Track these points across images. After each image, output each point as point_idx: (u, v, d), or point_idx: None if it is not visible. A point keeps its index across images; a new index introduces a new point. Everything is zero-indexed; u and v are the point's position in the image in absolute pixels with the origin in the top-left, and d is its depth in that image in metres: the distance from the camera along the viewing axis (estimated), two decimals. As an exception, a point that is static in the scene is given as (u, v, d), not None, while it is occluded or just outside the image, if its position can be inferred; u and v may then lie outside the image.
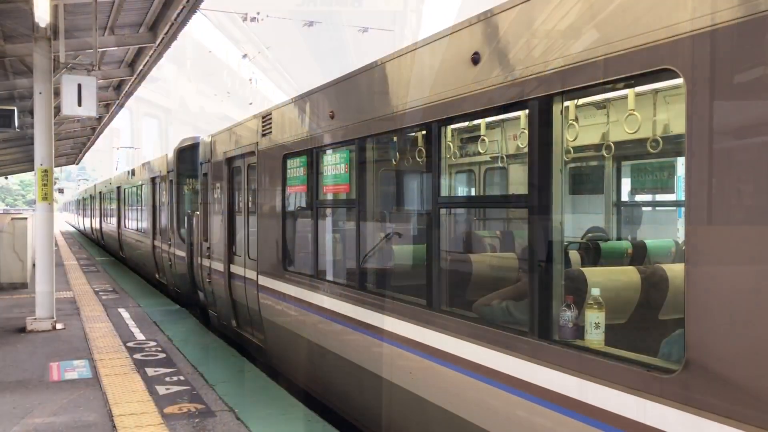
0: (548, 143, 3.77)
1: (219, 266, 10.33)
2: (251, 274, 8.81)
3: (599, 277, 4.32)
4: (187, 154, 14.34)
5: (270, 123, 8.11)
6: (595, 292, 3.60)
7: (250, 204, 9.22)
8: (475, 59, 4.23)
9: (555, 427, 3.62)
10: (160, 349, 9.12)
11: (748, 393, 2.63)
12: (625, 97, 4.64)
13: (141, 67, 15.13)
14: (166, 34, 12.35)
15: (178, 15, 11.28)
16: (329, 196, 6.87)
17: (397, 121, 5.24)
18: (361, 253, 5.99)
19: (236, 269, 9.61)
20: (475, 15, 4.31)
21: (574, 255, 5.49)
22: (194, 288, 12.89)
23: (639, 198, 6.99)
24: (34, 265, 11.91)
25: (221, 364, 8.37)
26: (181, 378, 7.55)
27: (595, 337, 3.53)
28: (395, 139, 6.20)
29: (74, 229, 57.23)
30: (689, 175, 2.88)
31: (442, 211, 4.92)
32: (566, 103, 3.87)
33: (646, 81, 3.91)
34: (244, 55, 22.98)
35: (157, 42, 12.92)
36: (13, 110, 13.49)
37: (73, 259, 24.50)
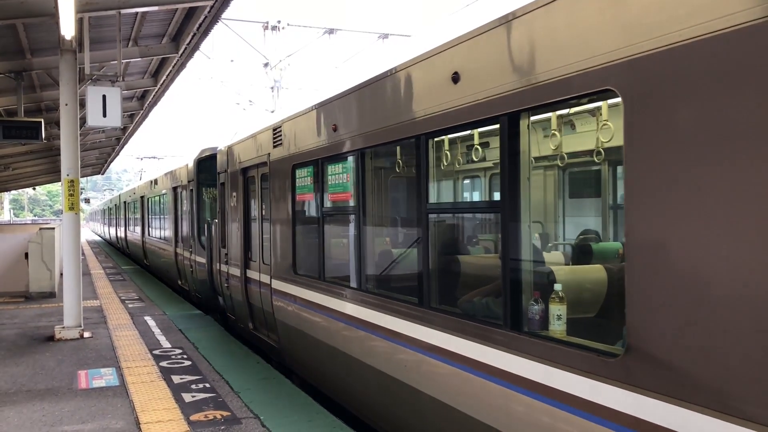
0: (517, 154, 4.10)
1: (236, 271, 10.75)
2: (265, 278, 9.23)
3: (568, 275, 4.69)
4: (206, 163, 14.56)
5: (280, 134, 8.51)
6: (557, 287, 3.88)
7: (263, 212, 9.62)
8: (455, 78, 4.55)
9: (527, 410, 3.91)
10: (185, 356, 9.20)
11: (681, 372, 2.91)
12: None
13: (164, 77, 15.33)
14: (188, 44, 12.50)
15: (200, 25, 11.40)
16: (333, 204, 7.28)
17: (392, 134, 5.54)
18: (362, 257, 6.35)
19: (252, 274, 10.06)
20: (456, 37, 4.58)
21: (558, 255, 5.86)
22: (214, 293, 13.26)
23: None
24: (61, 274, 12.07)
25: (246, 370, 8.41)
26: (207, 385, 7.60)
27: (557, 327, 3.84)
28: (391, 149, 6.40)
29: (100, 238, 58.02)
30: (627, 181, 3.20)
31: (432, 216, 5.30)
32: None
33: (591, 100, 4.20)
34: (266, 64, 23.00)
35: (180, 52, 13.08)
36: (40, 122, 13.72)
37: (100, 268, 24.84)
